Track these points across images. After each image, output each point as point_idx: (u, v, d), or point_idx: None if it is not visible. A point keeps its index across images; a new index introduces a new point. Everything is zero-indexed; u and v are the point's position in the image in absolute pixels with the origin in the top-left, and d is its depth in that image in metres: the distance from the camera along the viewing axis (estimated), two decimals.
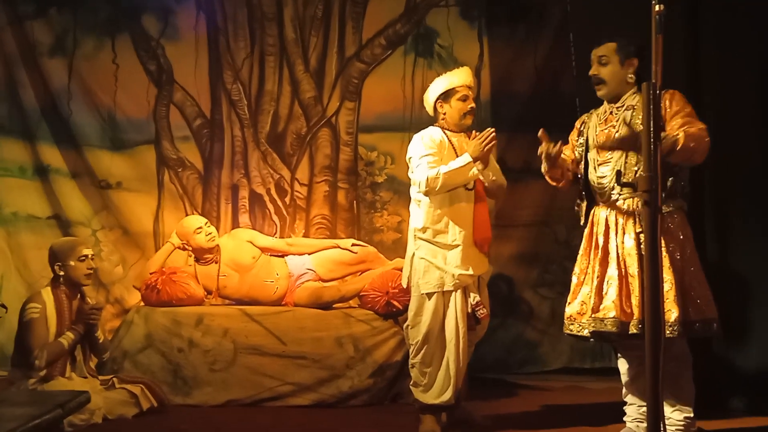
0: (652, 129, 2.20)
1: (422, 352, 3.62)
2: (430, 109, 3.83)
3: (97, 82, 5.26)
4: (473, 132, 3.69)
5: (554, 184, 3.52)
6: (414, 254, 3.68)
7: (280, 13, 5.34)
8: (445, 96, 3.73)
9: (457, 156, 3.64)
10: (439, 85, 3.75)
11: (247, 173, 5.34)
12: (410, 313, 3.69)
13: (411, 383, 3.70)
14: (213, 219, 5.21)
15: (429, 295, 3.61)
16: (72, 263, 3.88)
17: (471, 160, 3.54)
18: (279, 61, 5.37)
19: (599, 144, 3.29)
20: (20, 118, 5.22)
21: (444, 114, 3.74)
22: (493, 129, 3.59)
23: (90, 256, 3.95)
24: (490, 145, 3.56)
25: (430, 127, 3.78)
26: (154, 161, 5.31)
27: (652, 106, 2.19)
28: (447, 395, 3.58)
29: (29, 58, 5.23)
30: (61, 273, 3.88)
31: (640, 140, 2.99)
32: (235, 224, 5.26)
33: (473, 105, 3.77)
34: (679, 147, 2.96)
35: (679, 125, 3.07)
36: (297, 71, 5.36)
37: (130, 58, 5.30)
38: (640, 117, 3.14)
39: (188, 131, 5.36)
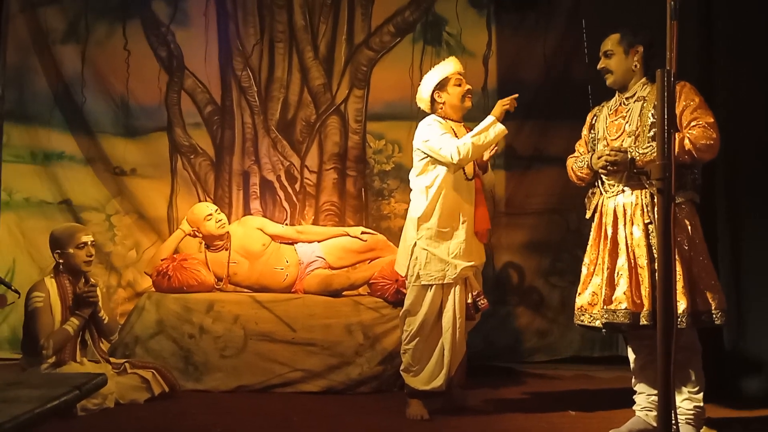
0: (666, 116, 2.18)
1: (416, 340, 3.66)
2: (425, 105, 3.85)
3: (109, 68, 5.26)
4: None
5: (580, 182, 3.45)
6: (416, 243, 3.68)
7: None
8: (441, 86, 3.77)
9: None
10: (432, 78, 3.79)
11: (258, 160, 5.35)
12: (407, 301, 3.71)
13: (402, 368, 3.74)
14: (225, 205, 5.24)
15: (429, 286, 3.63)
16: (71, 251, 3.85)
17: (494, 119, 3.59)
18: (288, 48, 5.36)
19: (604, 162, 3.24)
20: (31, 104, 5.21)
21: (443, 103, 3.78)
22: (516, 95, 3.65)
23: (90, 242, 3.90)
24: (510, 105, 3.63)
25: (432, 115, 3.80)
26: (167, 148, 5.32)
27: (666, 94, 2.17)
28: (437, 382, 3.63)
29: (42, 45, 5.21)
30: (61, 260, 3.86)
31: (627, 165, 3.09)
32: (247, 210, 5.28)
33: (470, 87, 3.81)
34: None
35: (687, 121, 3.09)
36: (306, 58, 5.36)
37: (140, 44, 5.29)
38: (652, 108, 3.15)
39: (199, 118, 5.36)
